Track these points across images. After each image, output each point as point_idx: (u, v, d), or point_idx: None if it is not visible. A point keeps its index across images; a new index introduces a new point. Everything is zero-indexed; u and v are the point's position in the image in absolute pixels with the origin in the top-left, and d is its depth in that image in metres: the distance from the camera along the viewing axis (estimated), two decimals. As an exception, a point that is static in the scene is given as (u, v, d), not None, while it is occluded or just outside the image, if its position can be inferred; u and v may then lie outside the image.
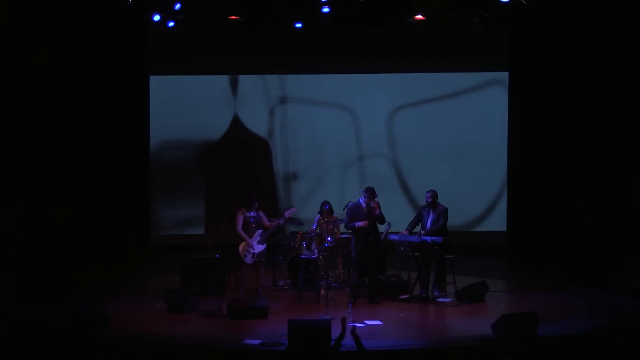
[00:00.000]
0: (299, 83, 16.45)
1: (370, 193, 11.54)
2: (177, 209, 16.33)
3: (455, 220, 14.69)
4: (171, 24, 14.60)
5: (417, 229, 12.13)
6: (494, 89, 16.19)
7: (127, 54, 15.17)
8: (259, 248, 11.80)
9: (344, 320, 8.60)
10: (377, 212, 11.52)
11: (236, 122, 16.40)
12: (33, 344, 9.15)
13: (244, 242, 11.79)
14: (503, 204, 15.98)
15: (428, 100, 16.34)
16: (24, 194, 13.05)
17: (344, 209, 12.84)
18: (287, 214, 12.07)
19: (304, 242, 12.16)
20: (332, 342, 8.74)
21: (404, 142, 16.36)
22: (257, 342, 9.25)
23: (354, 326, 8.76)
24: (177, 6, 14.04)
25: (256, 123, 16.42)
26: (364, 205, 11.54)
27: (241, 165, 16.33)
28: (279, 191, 16.37)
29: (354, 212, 11.56)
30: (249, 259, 11.76)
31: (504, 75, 15.86)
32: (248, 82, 16.43)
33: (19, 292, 11.40)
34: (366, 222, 11.44)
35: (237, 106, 16.41)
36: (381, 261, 12.46)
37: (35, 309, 10.66)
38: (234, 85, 16.48)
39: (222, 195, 16.08)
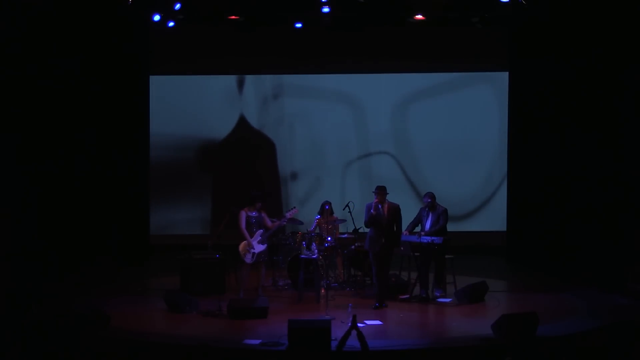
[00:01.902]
0: (298, 83, 16.45)
1: (377, 190, 11.40)
2: (176, 209, 16.33)
3: (455, 211, 14.78)
4: (171, 24, 14.61)
5: (417, 229, 12.16)
6: (494, 88, 16.18)
7: (127, 54, 15.15)
8: (259, 248, 11.81)
9: (355, 318, 8.59)
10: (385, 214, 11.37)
11: (236, 122, 16.40)
12: (33, 344, 9.16)
13: (244, 242, 11.80)
14: (503, 204, 15.98)
15: (428, 100, 16.35)
16: (24, 194, 13.03)
17: (344, 209, 12.88)
18: (288, 214, 12.07)
19: (304, 242, 12.15)
20: (337, 341, 8.75)
21: (405, 141, 16.37)
22: (257, 342, 9.26)
23: (358, 326, 8.78)
24: (177, 6, 14.05)
25: (255, 123, 16.41)
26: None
27: (242, 165, 16.33)
28: (279, 191, 16.38)
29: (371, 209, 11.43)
30: (248, 259, 11.78)
31: (504, 75, 15.86)
32: (247, 82, 16.43)
33: (18, 292, 11.39)
34: (375, 201, 11.29)
35: (237, 106, 16.42)
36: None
37: (35, 309, 10.66)
38: (234, 85, 16.48)
39: (222, 195, 16.12)
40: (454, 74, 16.23)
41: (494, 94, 16.18)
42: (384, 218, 11.32)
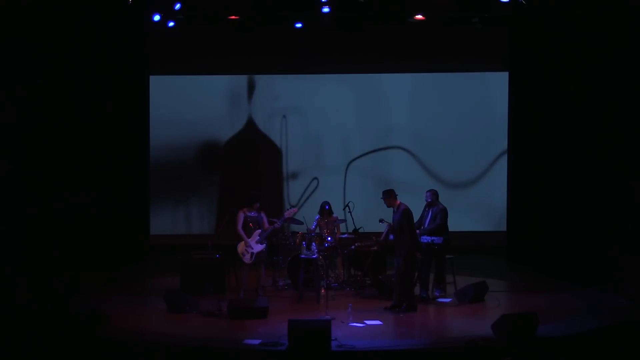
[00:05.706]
0: (298, 83, 16.46)
1: (384, 195, 11.21)
2: (176, 209, 16.34)
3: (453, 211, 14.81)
4: (171, 24, 14.59)
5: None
6: (494, 89, 16.18)
7: (127, 54, 15.15)
8: (258, 248, 11.81)
9: None
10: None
11: (236, 122, 16.41)
12: (33, 343, 9.16)
13: (242, 242, 11.81)
14: (503, 204, 15.98)
15: (428, 99, 16.36)
16: (24, 194, 13.03)
17: (344, 209, 12.88)
18: (286, 214, 12.08)
19: (304, 242, 12.16)
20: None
21: (404, 141, 16.38)
22: (257, 342, 9.26)
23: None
24: (177, 6, 14.04)
25: (255, 123, 16.42)
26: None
27: (242, 164, 16.35)
28: (279, 191, 16.38)
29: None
30: (247, 259, 11.79)
31: (504, 75, 15.85)
32: (248, 82, 16.43)
33: (18, 292, 11.39)
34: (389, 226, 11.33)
35: (237, 106, 16.43)
36: (381, 261, 12.51)
37: (36, 309, 10.65)
38: (234, 85, 16.49)
39: (222, 195, 16.12)
40: (454, 73, 16.23)
41: (494, 94, 16.18)
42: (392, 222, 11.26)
